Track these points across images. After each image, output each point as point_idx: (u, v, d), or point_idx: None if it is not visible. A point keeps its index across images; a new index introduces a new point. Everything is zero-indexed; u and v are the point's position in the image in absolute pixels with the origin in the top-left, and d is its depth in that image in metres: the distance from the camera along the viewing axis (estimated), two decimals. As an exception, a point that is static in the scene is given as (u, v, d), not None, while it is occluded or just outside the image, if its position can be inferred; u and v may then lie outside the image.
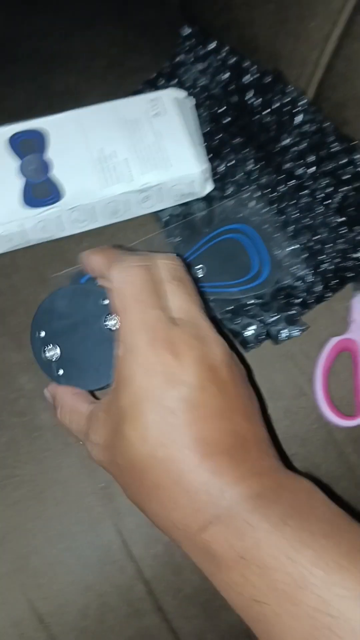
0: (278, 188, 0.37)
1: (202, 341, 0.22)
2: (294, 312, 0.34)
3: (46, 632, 0.28)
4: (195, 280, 0.34)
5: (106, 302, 0.26)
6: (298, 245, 0.35)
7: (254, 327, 0.33)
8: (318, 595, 0.18)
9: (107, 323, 0.26)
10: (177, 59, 0.42)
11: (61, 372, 0.27)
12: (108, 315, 0.26)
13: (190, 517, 0.20)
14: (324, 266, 0.35)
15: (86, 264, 0.27)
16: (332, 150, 0.36)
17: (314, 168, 0.36)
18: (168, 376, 0.21)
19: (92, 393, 0.28)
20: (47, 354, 0.27)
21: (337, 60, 0.36)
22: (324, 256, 0.35)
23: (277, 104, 0.38)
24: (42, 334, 0.27)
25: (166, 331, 0.21)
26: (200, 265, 0.35)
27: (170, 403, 0.20)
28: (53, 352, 0.27)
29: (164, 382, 0.21)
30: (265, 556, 0.19)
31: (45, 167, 0.35)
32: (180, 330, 0.22)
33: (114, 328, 0.25)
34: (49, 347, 0.27)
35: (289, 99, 0.38)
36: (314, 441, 0.33)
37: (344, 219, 0.35)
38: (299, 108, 0.38)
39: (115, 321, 0.25)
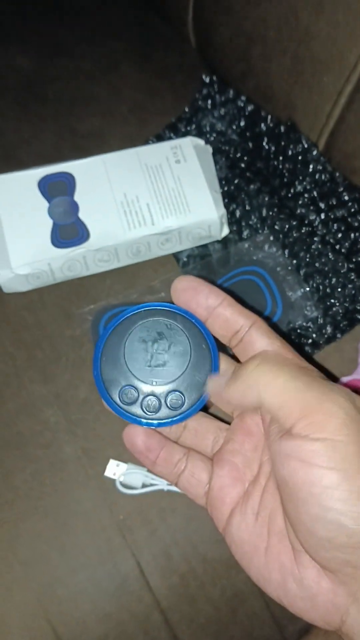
0: (291, 233, 0.39)
1: None
2: (305, 352, 0.36)
3: (66, 657, 0.30)
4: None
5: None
6: (309, 289, 0.37)
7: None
8: None
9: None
10: (196, 105, 0.44)
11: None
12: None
13: None
14: (334, 309, 0.36)
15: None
16: (343, 199, 0.38)
17: (324, 215, 0.38)
18: None
19: None
20: None
21: (349, 114, 0.39)
22: (334, 300, 0.37)
23: (291, 152, 0.40)
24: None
25: None
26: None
27: None
28: None
29: None
30: None
31: (72, 209, 0.37)
32: None
33: None
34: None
35: (301, 147, 0.40)
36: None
37: (352, 265, 0.37)
38: (311, 157, 0.40)
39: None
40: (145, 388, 0.22)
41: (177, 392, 0.22)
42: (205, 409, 0.22)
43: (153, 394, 0.22)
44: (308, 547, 0.19)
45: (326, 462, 0.17)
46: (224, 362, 0.24)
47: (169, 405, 0.22)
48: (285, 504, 0.19)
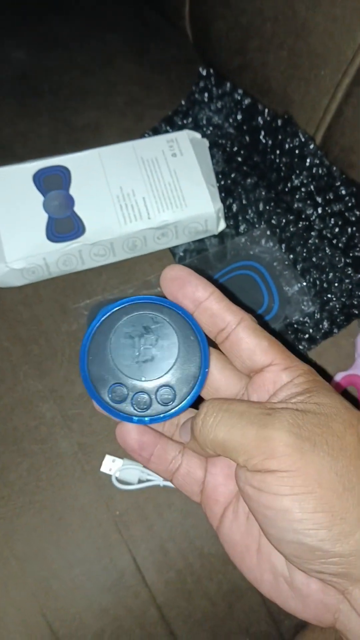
0: (288, 228, 0.38)
1: None
2: (302, 347, 0.36)
3: (62, 653, 0.30)
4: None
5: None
6: (306, 284, 0.37)
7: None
8: None
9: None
10: (193, 98, 0.44)
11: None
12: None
13: None
14: (330, 304, 0.36)
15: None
16: (339, 193, 0.38)
17: (321, 209, 0.38)
18: None
19: None
20: None
21: (346, 107, 0.38)
22: (331, 294, 0.36)
23: (288, 146, 0.40)
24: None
25: None
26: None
27: None
28: None
29: None
30: None
31: (68, 203, 0.36)
32: None
33: None
34: None
35: (298, 141, 0.40)
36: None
37: (349, 260, 0.37)
38: (308, 151, 0.40)
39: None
40: (135, 385, 0.22)
41: (167, 387, 0.22)
42: (198, 403, 0.22)
43: (143, 391, 0.22)
44: (285, 558, 0.19)
45: (278, 489, 0.18)
46: (214, 355, 0.24)
47: (159, 400, 0.22)
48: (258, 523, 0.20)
